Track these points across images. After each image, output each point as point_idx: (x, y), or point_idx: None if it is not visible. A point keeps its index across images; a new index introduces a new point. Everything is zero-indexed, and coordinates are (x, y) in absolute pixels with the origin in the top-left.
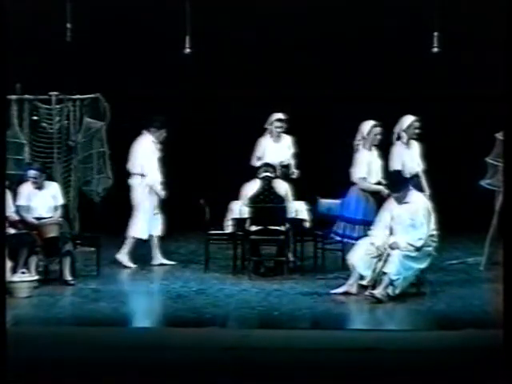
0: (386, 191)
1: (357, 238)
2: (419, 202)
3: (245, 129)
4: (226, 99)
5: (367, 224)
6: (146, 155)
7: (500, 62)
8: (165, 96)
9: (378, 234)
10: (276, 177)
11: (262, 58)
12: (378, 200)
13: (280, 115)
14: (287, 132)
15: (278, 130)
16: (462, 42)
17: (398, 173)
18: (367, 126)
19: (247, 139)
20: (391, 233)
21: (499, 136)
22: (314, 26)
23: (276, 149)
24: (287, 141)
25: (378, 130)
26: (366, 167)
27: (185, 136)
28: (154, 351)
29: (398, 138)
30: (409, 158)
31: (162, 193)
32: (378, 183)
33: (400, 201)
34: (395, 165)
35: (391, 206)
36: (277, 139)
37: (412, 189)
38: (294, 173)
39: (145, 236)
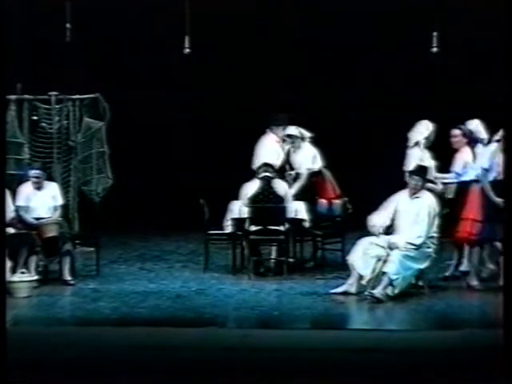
0: (438, 188)
1: None
2: (427, 200)
3: (244, 129)
4: (226, 101)
5: None
6: (269, 154)
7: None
8: (165, 96)
9: (376, 217)
10: (276, 177)
11: (262, 58)
12: None
13: (291, 131)
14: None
15: (289, 145)
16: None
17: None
18: (428, 126)
19: (247, 139)
20: (392, 226)
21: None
22: (315, 27)
23: (294, 159)
24: (305, 152)
25: (435, 128)
26: (418, 163)
27: (185, 136)
28: (154, 351)
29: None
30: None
31: None
32: (430, 181)
33: (413, 194)
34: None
35: (401, 198)
36: (296, 150)
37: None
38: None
39: None
